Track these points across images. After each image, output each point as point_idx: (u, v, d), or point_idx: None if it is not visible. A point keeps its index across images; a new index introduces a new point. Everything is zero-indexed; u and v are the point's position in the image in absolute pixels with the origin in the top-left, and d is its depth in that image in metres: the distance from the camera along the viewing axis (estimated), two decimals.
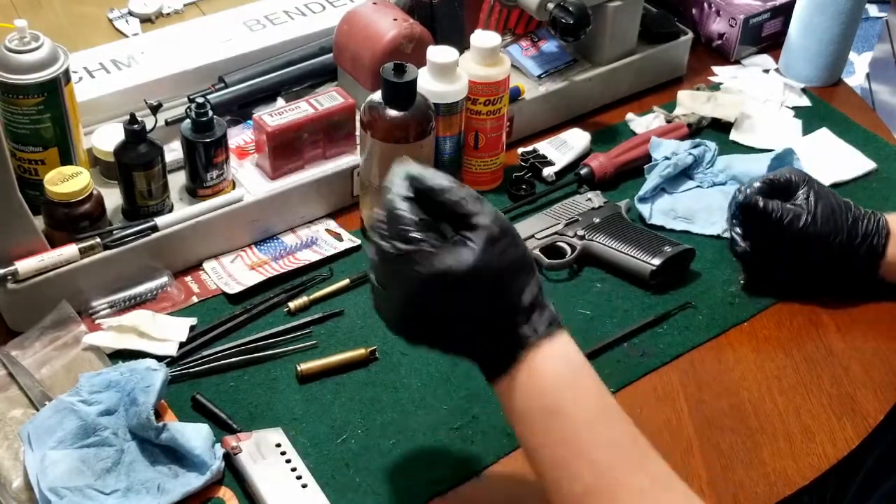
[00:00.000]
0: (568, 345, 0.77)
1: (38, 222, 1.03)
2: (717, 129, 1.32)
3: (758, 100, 1.36)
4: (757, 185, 1.08)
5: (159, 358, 0.98)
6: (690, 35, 1.39)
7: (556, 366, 0.75)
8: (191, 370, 0.99)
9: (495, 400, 0.78)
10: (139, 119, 1.06)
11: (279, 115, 1.12)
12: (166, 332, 1.02)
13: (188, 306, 1.06)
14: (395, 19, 1.18)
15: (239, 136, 1.19)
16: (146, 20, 1.43)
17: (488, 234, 0.74)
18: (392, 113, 1.05)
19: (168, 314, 1.05)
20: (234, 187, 1.14)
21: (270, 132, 1.11)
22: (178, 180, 1.14)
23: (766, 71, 1.42)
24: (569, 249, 1.11)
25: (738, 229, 1.09)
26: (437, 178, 0.77)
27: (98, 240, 1.03)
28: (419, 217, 0.75)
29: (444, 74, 1.10)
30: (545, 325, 0.76)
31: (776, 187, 1.08)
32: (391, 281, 0.76)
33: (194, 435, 0.90)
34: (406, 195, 0.76)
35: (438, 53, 1.10)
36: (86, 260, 1.02)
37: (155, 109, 1.15)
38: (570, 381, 0.75)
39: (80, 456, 0.88)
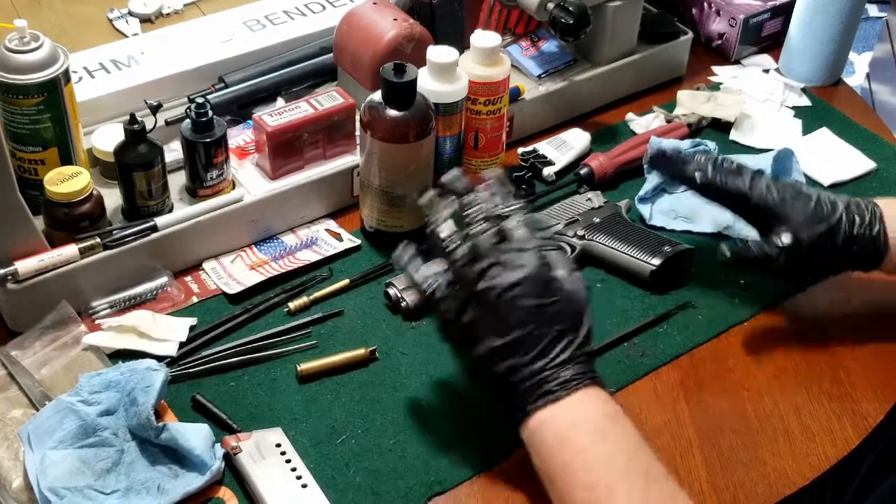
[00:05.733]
0: (601, 393, 0.83)
1: (38, 222, 1.02)
2: (717, 129, 1.32)
3: (758, 100, 1.36)
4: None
5: (159, 358, 0.98)
6: (690, 35, 1.39)
7: (595, 406, 0.81)
8: (191, 370, 0.99)
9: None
10: (139, 119, 1.06)
11: (279, 115, 1.12)
12: (166, 332, 1.02)
13: (188, 306, 1.06)
14: (395, 19, 1.18)
15: (239, 136, 1.19)
16: (146, 20, 1.43)
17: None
18: (392, 113, 1.05)
19: (168, 314, 1.05)
20: (234, 187, 1.14)
21: (270, 132, 1.11)
22: (178, 180, 1.14)
23: (766, 71, 1.42)
24: (569, 249, 1.11)
25: (752, 235, 1.03)
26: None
27: (98, 240, 1.03)
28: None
29: (444, 74, 1.10)
30: (591, 372, 0.83)
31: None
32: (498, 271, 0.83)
33: (194, 435, 0.90)
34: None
35: (438, 53, 1.10)
36: (86, 260, 1.02)
37: (155, 109, 1.15)
38: (601, 425, 0.81)
39: (80, 456, 0.88)
